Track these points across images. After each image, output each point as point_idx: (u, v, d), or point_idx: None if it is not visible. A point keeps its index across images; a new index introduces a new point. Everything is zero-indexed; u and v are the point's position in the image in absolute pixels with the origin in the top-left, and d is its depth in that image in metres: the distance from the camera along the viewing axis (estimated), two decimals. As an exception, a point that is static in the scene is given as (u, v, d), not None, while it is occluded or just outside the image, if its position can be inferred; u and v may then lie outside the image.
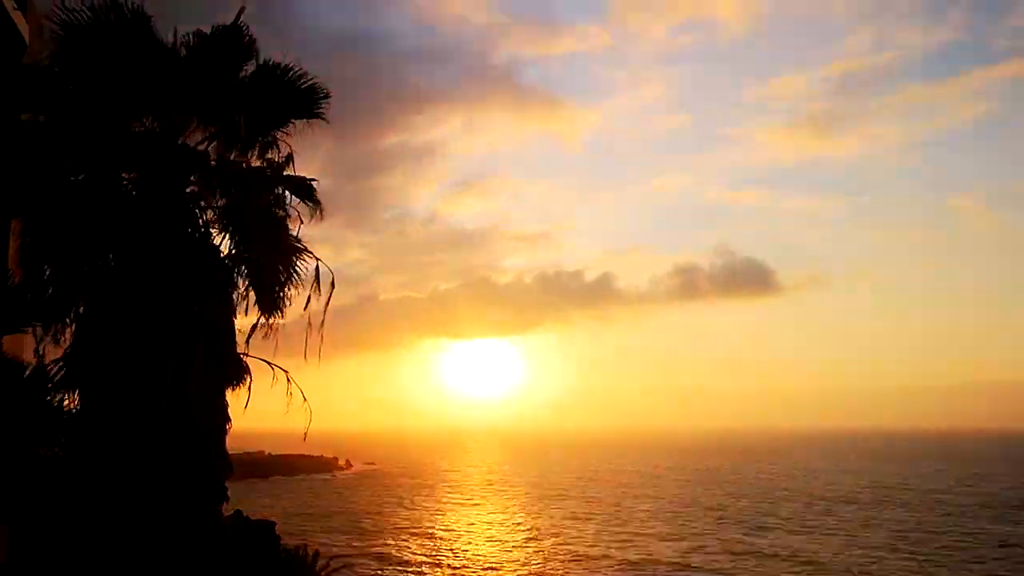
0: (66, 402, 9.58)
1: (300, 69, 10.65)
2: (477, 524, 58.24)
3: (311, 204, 11.16)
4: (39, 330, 9.68)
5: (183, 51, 10.16)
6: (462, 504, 71.79)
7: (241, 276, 10.55)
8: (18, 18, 12.99)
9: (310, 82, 10.73)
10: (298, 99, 10.73)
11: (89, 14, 9.58)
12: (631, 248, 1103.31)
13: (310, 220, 11.09)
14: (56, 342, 9.72)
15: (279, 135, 10.86)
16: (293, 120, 10.85)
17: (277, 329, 10.66)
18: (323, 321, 10.55)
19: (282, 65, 10.61)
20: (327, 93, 10.84)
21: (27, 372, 9.43)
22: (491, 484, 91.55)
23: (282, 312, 10.67)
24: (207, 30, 10.23)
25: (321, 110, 10.92)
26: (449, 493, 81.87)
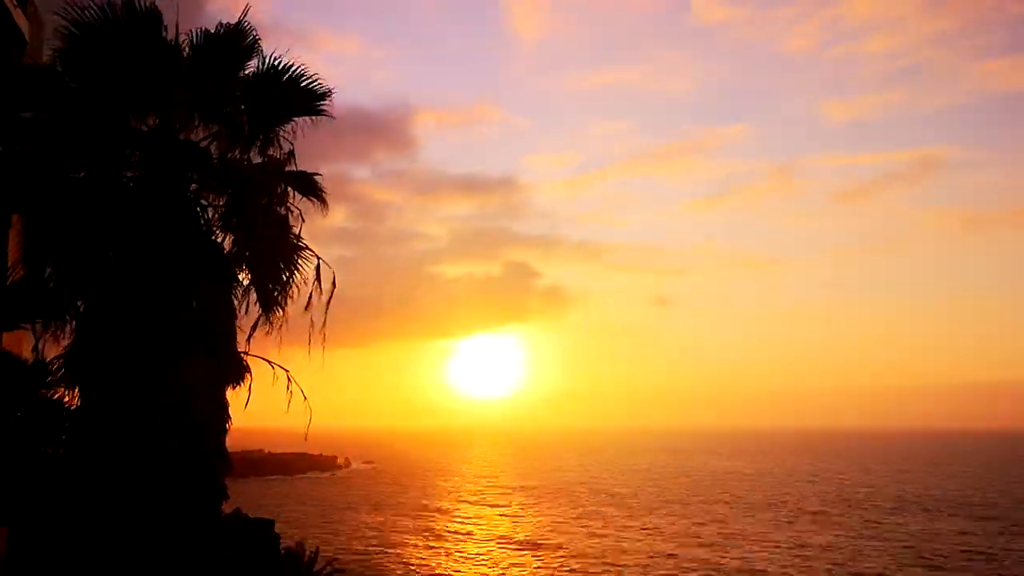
0: (66, 399, 9.58)
1: (302, 67, 10.68)
2: (482, 523, 58.26)
3: (314, 199, 11.17)
4: (39, 327, 9.68)
5: (187, 49, 10.16)
6: (461, 504, 71.78)
7: (242, 274, 10.56)
8: (18, 16, 13.00)
9: (312, 80, 10.75)
10: (300, 97, 10.75)
11: (99, 12, 9.57)
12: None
13: (315, 215, 11.13)
14: (56, 340, 9.72)
15: (281, 132, 10.86)
16: (295, 118, 10.87)
17: (278, 327, 10.65)
18: (324, 320, 10.57)
19: (284, 64, 10.62)
20: (329, 91, 10.86)
21: (26, 369, 9.43)
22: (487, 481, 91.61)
23: (283, 310, 10.66)
24: (211, 29, 10.25)
25: (323, 108, 10.95)
26: (448, 493, 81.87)
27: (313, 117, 10.92)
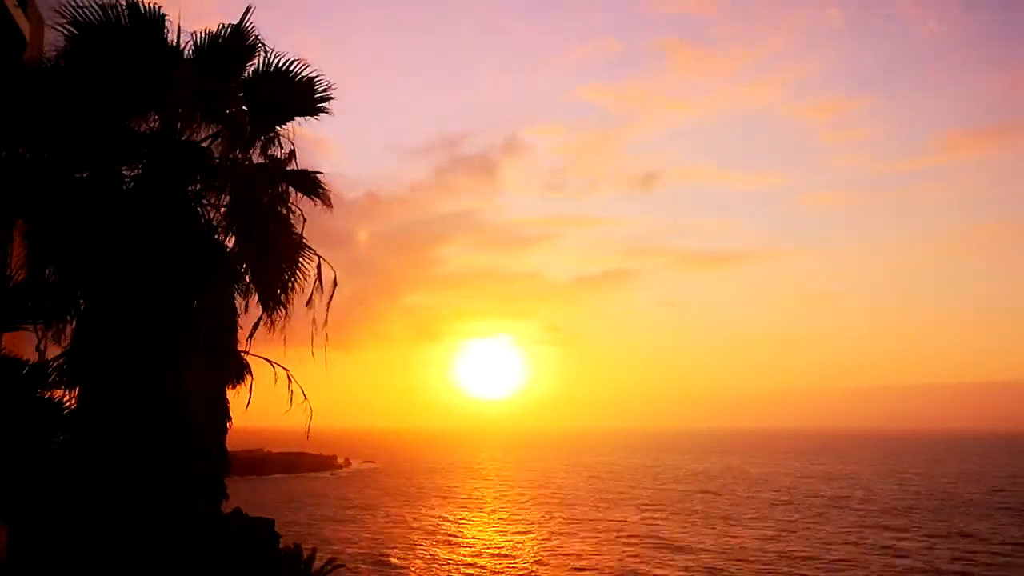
0: (66, 400, 9.58)
1: (303, 66, 10.69)
2: (474, 523, 58.22)
3: (316, 197, 11.16)
4: (40, 328, 9.67)
5: (189, 50, 10.17)
6: (461, 502, 71.75)
7: (244, 273, 10.56)
8: (18, 16, 13.00)
9: (313, 79, 10.76)
10: (301, 96, 10.75)
11: (100, 12, 9.58)
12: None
13: (315, 213, 11.12)
14: (57, 341, 9.72)
15: (282, 131, 10.86)
16: (296, 117, 10.88)
17: (280, 327, 10.66)
18: (326, 319, 10.58)
19: (285, 63, 10.62)
20: (329, 85, 10.87)
21: (26, 369, 9.43)
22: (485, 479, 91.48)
23: (285, 310, 10.67)
24: (213, 29, 10.25)
25: (324, 107, 10.95)
26: (447, 492, 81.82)
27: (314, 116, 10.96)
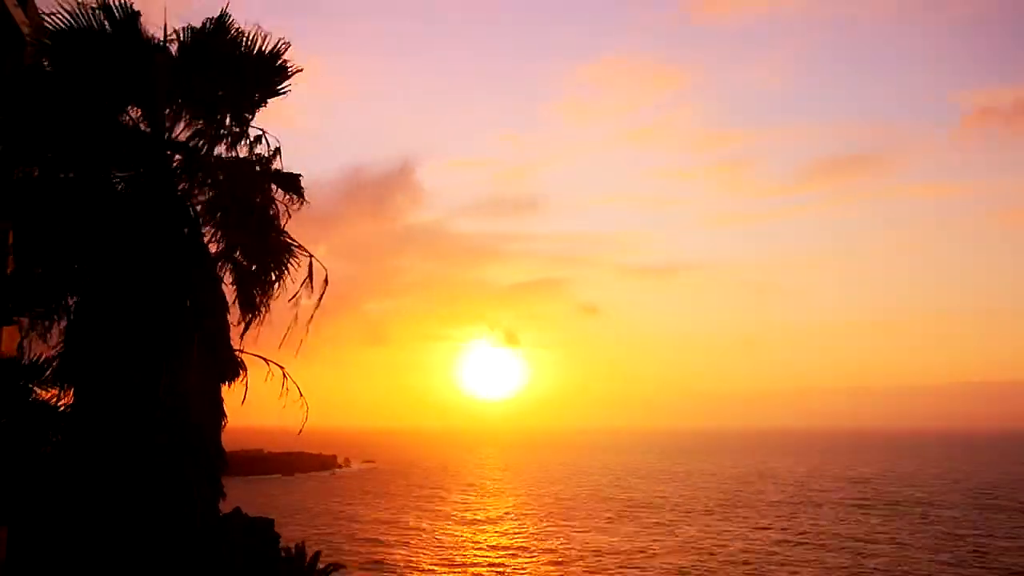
0: (61, 399, 9.58)
1: (266, 35, 10.57)
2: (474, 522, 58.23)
3: (296, 196, 11.11)
4: (28, 327, 9.70)
5: (171, 47, 10.19)
6: (460, 502, 71.76)
7: (232, 271, 10.57)
8: (19, 16, 13.00)
9: (276, 50, 10.63)
10: (269, 72, 10.69)
11: (72, 16, 9.65)
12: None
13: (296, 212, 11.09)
14: (44, 340, 9.73)
15: (266, 132, 10.88)
16: (268, 99, 10.81)
17: (271, 324, 10.67)
18: (311, 317, 10.57)
19: (253, 44, 10.51)
20: (288, 45, 10.67)
21: (18, 368, 9.43)
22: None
23: (269, 308, 10.68)
24: (193, 24, 10.26)
25: (285, 87, 10.86)
26: (448, 493, 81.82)
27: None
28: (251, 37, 10.50)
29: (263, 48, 10.58)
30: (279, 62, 10.70)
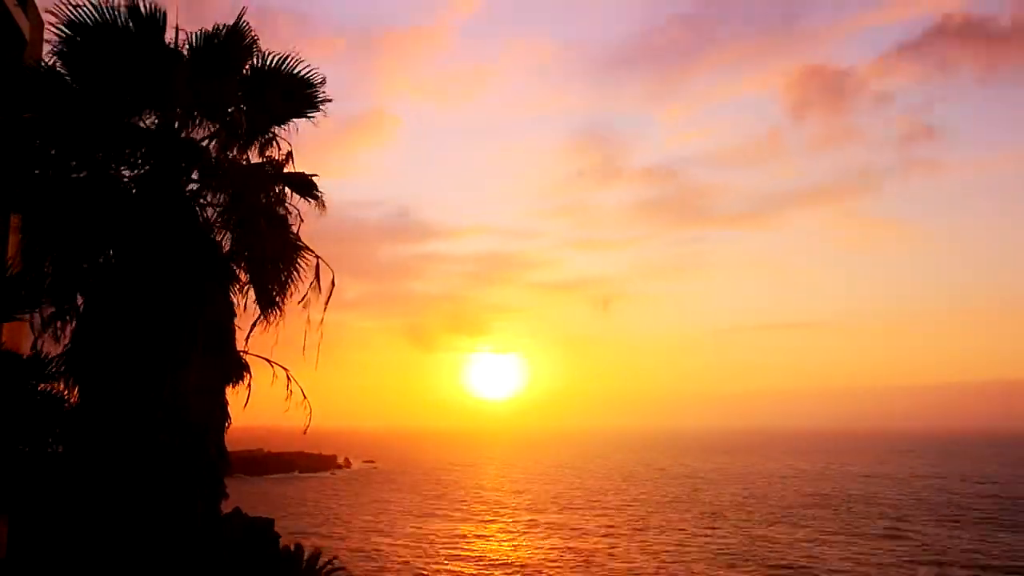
0: (66, 397, 9.59)
1: (299, 62, 10.73)
2: (480, 524, 58.25)
3: (312, 200, 11.19)
4: (37, 324, 9.69)
5: (186, 49, 10.17)
6: (459, 502, 71.80)
7: (241, 273, 10.58)
8: (19, 16, 13.00)
9: (308, 78, 10.79)
10: (295, 98, 10.78)
11: (96, 12, 9.59)
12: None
13: (311, 217, 11.16)
14: (56, 339, 9.74)
15: (279, 132, 10.90)
16: (293, 119, 10.92)
17: (274, 325, 10.68)
18: (322, 319, 10.58)
19: (280, 63, 10.65)
20: (323, 79, 10.94)
21: (23, 363, 9.43)
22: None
23: (281, 310, 10.68)
24: (209, 29, 10.26)
25: (319, 109, 10.99)
26: (446, 492, 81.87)
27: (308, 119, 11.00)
28: (282, 57, 10.62)
29: (294, 71, 10.69)
30: (303, 79, 10.79)
